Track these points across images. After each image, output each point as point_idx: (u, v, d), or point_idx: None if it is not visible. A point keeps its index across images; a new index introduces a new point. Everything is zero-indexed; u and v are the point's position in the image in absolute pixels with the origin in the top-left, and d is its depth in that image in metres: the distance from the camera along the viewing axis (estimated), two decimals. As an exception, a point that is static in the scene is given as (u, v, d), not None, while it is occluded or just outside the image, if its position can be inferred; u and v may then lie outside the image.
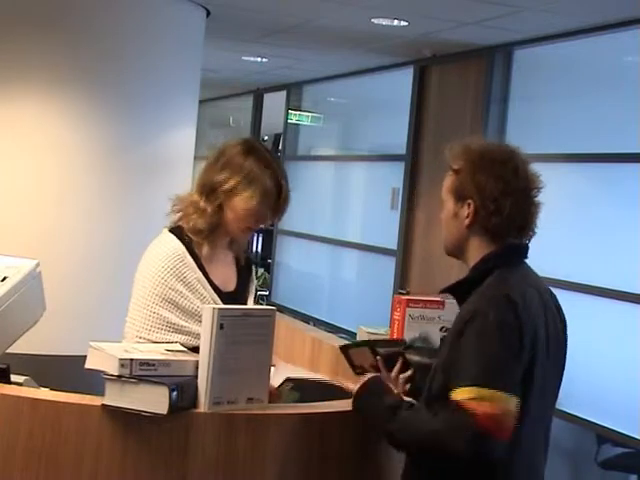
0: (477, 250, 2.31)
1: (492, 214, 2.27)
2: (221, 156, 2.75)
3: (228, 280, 2.82)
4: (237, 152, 2.73)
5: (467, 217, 2.29)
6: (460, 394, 2.10)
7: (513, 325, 2.14)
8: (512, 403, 2.10)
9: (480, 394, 2.08)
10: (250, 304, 2.87)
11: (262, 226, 2.85)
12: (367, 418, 2.32)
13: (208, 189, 2.72)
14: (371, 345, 2.61)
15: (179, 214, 2.75)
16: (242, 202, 2.69)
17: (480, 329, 2.14)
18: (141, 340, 2.63)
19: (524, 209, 2.30)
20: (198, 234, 2.70)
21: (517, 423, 2.15)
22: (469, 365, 2.13)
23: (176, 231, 2.72)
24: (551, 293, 2.39)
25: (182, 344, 2.56)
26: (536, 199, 2.34)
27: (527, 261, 2.38)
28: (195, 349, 2.50)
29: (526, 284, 2.28)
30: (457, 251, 2.37)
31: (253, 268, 3.00)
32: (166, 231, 2.74)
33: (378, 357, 2.57)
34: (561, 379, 2.38)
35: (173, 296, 2.63)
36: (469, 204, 2.29)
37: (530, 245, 2.37)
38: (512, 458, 2.18)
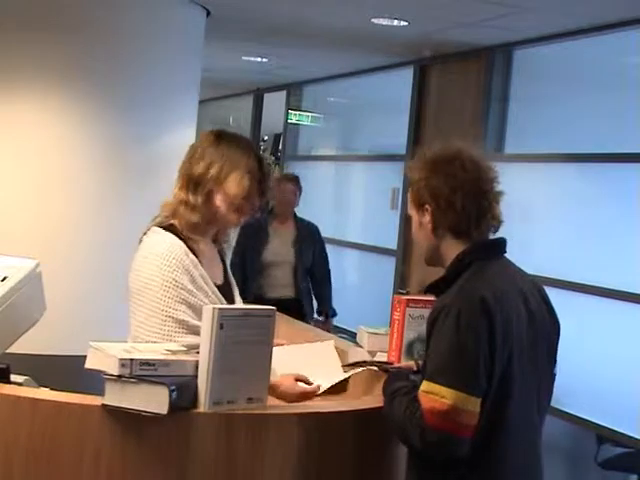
0: (450, 252, 2.35)
1: (446, 211, 2.31)
2: (194, 150, 2.76)
3: (217, 273, 2.82)
4: (208, 141, 2.75)
5: (429, 222, 2.35)
6: (421, 386, 2.18)
7: (479, 323, 2.16)
8: (466, 401, 2.12)
9: (431, 389, 2.14)
10: (237, 296, 2.88)
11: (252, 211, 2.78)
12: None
13: (192, 183, 2.70)
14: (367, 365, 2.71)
15: (169, 215, 2.72)
16: (234, 186, 2.67)
17: (444, 326, 2.18)
18: None
19: (477, 201, 2.32)
20: (194, 229, 2.68)
21: (499, 419, 2.19)
22: (430, 360, 2.21)
23: (170, 229, 2.68)
24: (537, 287, 2.41)
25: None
26: (492, 190, 2.35)
27: (511, 257, 2.40)
28: None
29: (501, 279, 2.30)
30: (434, 259, 2.41)
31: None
32: (160, 230, 2.69)
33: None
34: (553, 371, 2.41)
35: (185, 296, 2.59)
36: (427, 209, 2.34)
37: (507, 239, 2.39)
38: (497, 451, 2.21)
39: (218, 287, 2.75)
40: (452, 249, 2.34)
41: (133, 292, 2.65)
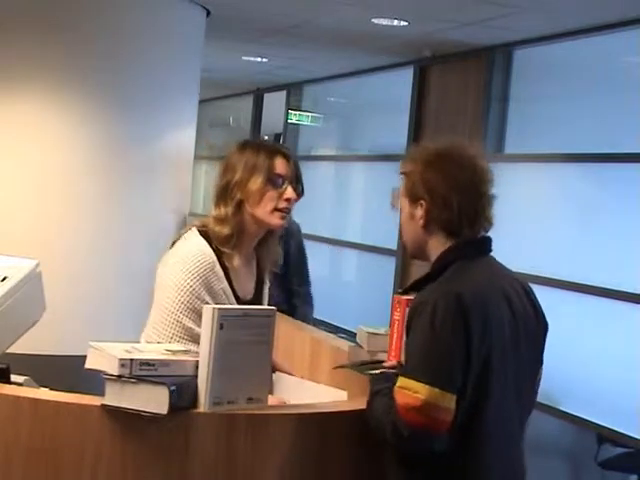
0: (436, 248, 2.34)
1: (442, 210, 2.30)
2: (222, 164, 2.76)
3: (248, 289, 2.80)
4: (233, 152, 2.75)
5: (421, 217, 2.33)
6: (397, 382, 2.18)
7: (455, 320, 2.16)
8: (440, 396, 2.12)
9: (405, 384, 2.15)
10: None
11: (292, 202, 2.73)
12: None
13: (221, 195, 2.70)
14: (361, 370, 2.65)
15: (202, 225, 2.70)
16: (255, 184, 2.66)
17: (420, 322, 2.19)
18: None
19: (474, 203, 2.31)
20: (226, 242, 2.66)
21: (477, 417, 2.18)
22: (406, 356, 2.23)
23: (206, 235, 2.67)
24: (524, 286, 2.39)
25: None
26: (488, 192, 2.34)
27: (496, 255, 2.39)
28: None
29: (483, 278, 2.30)
30: (419, 253, 2.40)
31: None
32: (197, 233, 2.68)
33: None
34: (538, 369, 2.40)
35: (198, 306, 2.57)
36: (421, 204, 2.33)
37: (493, 237, 2.38)
38: (476, 449, 2.21)
39: (244, 303, 2.72)
40: (439, 245, 2.33)
41: (155, 290, 2.67)
